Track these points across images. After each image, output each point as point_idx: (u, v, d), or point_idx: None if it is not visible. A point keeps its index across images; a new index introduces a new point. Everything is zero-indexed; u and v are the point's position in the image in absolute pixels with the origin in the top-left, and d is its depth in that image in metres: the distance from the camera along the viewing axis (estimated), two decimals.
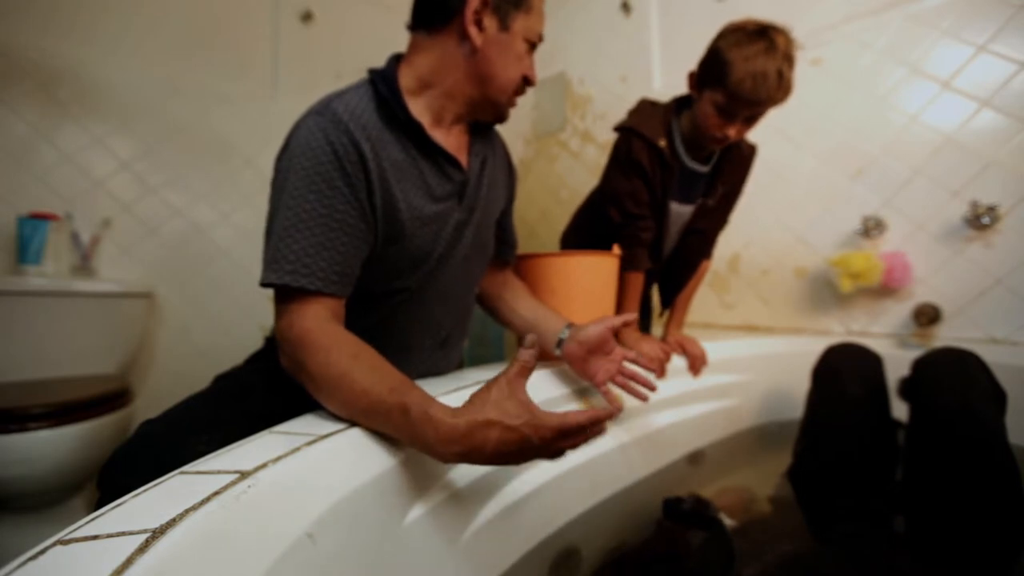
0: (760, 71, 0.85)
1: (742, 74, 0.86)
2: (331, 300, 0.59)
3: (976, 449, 0.70)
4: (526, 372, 0.49)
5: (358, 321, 0.66)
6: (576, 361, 0.77)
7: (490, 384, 0.48)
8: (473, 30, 0.64)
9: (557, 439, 0.46)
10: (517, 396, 0.47)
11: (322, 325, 0.56)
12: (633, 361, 0.78)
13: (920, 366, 0.85)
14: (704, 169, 1.06)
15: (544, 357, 0.86)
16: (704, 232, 1.13)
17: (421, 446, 0.48)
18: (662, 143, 0.99)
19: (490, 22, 0.65)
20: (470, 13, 0.64)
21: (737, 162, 1.08)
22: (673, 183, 1.03)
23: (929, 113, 1.28)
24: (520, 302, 0.88)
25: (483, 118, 0.74)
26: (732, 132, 0.93)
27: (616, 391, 0.79)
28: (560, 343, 0.79)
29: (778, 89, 0.86)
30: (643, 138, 0.99)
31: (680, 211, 1.09)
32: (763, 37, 0.86)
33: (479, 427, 0.45)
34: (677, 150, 1.03)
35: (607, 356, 0.77)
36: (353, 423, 0.52)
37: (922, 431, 0.78)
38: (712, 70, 0.91)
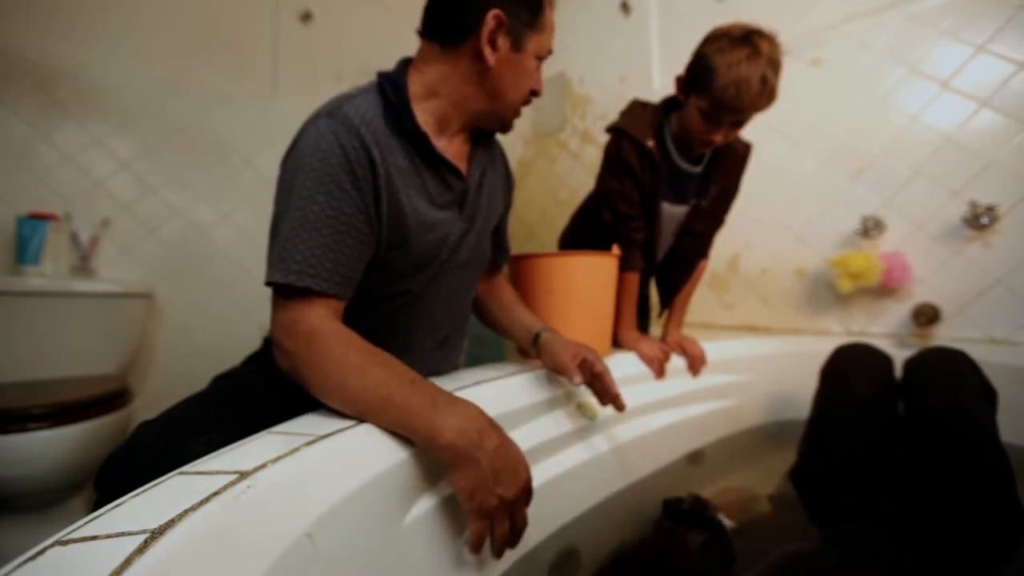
0: (743, 78, 0.84)
1: (725, 81, 0.85)
2: (334, 301, 0.59)
3: (968, 449, 0.70)
4: None
5: (360, 321, 0.66)
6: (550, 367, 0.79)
7: None
8: (488, 51, 0.65)
9: (525, 488, 0.52)
10: None
11: (329, 323, 0.57)
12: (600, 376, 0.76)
13: (911, 366, 0.85)
14: (696, 170, 1.05)
15: (531, 356, 0.86)
16: (699, 233, 1.13)
17: (440, 424, 0.49)
18: (650, 143, 0.99)
19: (504, 42, 0.66)
20: (486, 34, 0.64)
21: (730, 162, 1.08)
22: (663, 183, 1.03)
23: (929, 113, 1.28)
24: (503, 306, 0.88)
25: (488, 127, 0.75)
26: (718, 138, 0.94)
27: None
28: (536, 342, 0.79)
29: (761, 96, 0.86)
30: (632, 139, 1.00)
31: (673, 212, 1.09)
32: (747, 43, 0.85)
33: (497, 423, 0.53)
34: (667, 150, 1.03)
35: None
36: (355, 421, 0.52)
37: (915, 431, 0.78)
38: (697, 76, 0.91)
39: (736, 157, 1.09)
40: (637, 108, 1.05)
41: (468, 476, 0.48)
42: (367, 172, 0.60)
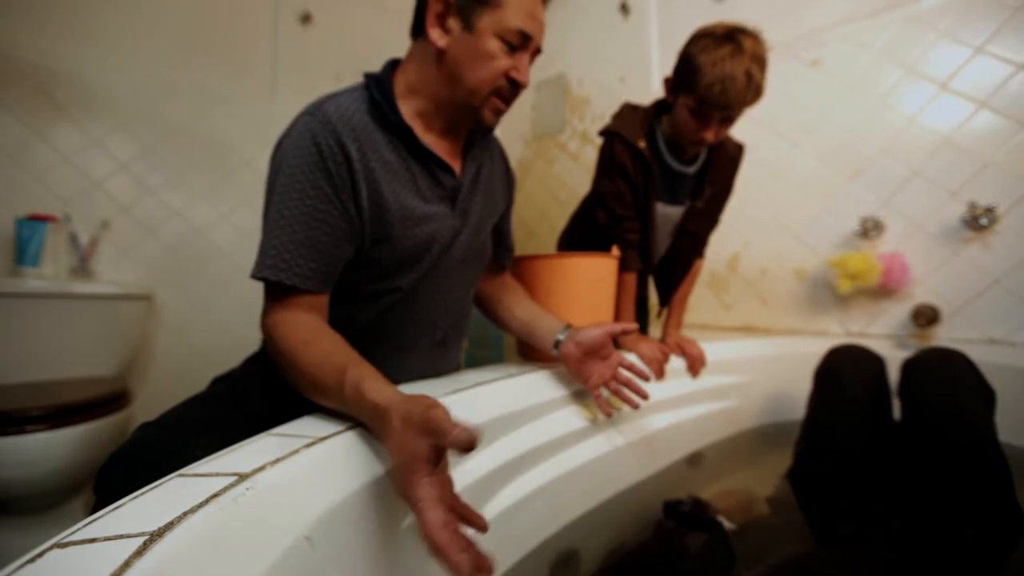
0: (728, 75, 0.86)
1: (710, 79, 0.87)
2: (310, 296, 0.60)
3: (967, 449, 0.70)
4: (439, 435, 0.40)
5: (354, 320, 0.66)
6: (572, 362, 0.77)
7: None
8: (435, 32, 0.65)
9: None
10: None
11: (293, 315, 0.58)
12: (629, 367, 0.78)
13: (909, 367, 0.85)
14: (689, 170, 1.07)
15: (542, 358, 0.86)
16: (695, 233, 1.14)
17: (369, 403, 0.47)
18: (642, 145, 1.00)
19: (455, 23, 0.65)
20: (431, 16, 0.64)
21: (724, 163, 1.09)
22: (656, 184, 1.04)
23: (927, 114, 1.29)
24: (517, 304, 0.88)
25: (464, 123, 0.72)
26: (709, 136, 0.94)
27: (608, 397, 0.79)
28: (557, 344, 0.79)
29: (747, 91, 0.87)
30: (623, 140, 1.01)
31: (667, 213, 1.09)
32: (730, 41, 0.87)
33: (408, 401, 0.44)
34: (660, 151, 1.04)
35: (603, 360, 0.77)
36: (353, 423, 0.52)
37: (913, 431, 0.78)
38: (683, 76, 0.92)
39: (730, 158, 1.10)
40: (628, 111, 1.07)
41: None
42: (342, 168, 0.61)
